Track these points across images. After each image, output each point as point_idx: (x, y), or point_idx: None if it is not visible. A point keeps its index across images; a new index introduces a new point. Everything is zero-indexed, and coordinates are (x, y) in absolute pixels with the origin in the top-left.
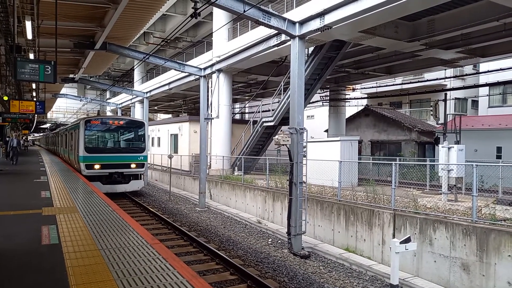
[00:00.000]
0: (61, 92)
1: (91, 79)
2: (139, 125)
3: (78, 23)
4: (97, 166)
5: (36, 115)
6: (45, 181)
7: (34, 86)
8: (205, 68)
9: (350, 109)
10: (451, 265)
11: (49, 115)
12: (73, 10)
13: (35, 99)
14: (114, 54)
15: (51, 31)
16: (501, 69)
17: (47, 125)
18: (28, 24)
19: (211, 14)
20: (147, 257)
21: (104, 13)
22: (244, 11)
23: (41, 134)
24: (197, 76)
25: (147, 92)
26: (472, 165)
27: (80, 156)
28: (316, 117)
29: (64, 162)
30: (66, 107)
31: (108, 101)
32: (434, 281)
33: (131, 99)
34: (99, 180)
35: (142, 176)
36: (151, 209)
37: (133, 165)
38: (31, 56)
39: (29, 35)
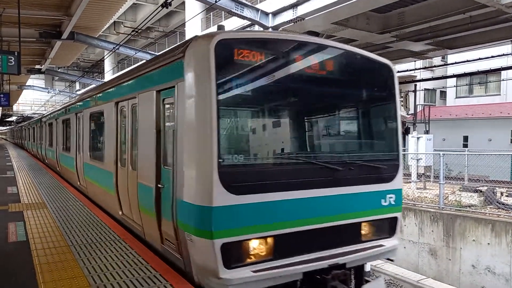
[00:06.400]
0: (27, 84)
1: (59, 70)
2: (387, 80)
3: (44, 11)
4: (262, 251)
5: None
6: (12, 177)
7: None
8: None
9: None
10: (419, 251)
11: (15, 107)
12: None
13: None
14: (83, 44)
15: (15, 20)
16: (467, 61)
17: (13, 118)
18: None
19: (183, 3)
20: (119, 252)
21: (71, 2)
22: (216, 1)
23: (7, 127)
24: None
25: None
26: (439, 154)
27: (195, 209)
28: None
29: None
30: (33, 99)
31: (78, 92)
32: (403, 266)
33: None
34: None
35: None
36: None
37: (367, 228)
38: None
39: None
